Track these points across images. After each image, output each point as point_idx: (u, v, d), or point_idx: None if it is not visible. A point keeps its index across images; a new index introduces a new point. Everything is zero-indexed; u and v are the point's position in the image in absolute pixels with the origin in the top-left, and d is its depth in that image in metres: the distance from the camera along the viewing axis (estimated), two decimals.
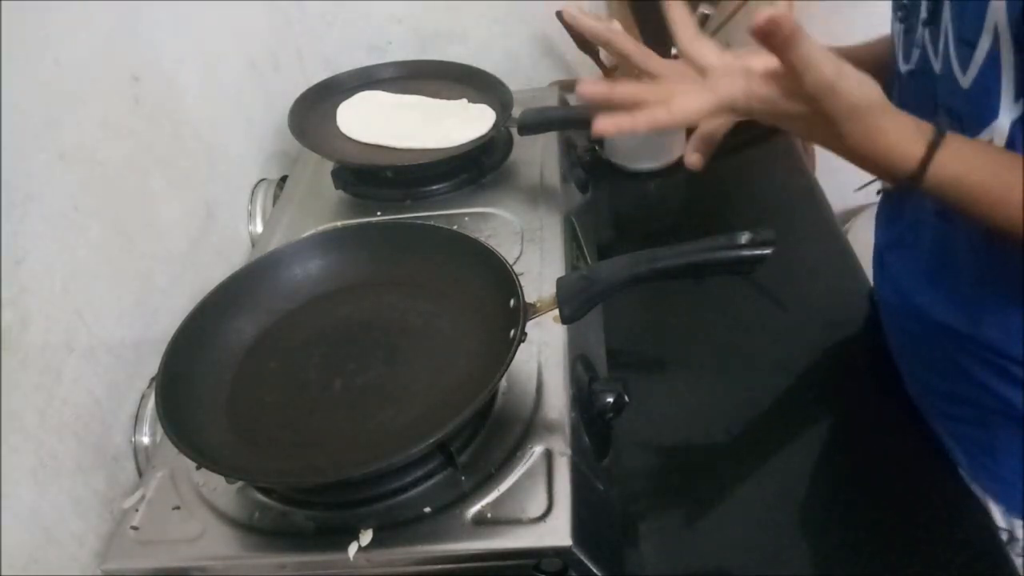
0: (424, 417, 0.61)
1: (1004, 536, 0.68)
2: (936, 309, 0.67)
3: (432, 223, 0.81)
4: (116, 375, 0.71)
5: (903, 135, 0.53)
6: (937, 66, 0.60)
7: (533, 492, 0.59)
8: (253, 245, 0.98)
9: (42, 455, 0.61)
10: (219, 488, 0.63)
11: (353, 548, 0.58)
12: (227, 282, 0.73)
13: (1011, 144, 0.55)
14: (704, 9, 1.04)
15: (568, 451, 0.62)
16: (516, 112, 0.94)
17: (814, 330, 0.86)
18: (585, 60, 1.15)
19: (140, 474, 0.71)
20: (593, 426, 0.67)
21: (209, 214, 0.91)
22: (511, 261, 0.70)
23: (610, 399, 0.68)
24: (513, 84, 1.01)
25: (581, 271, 0.67)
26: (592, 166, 1.05)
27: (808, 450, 0.75)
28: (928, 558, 0.65)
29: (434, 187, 0.94)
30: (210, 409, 0.65)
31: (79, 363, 0.66)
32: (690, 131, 0.65)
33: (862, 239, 1.23)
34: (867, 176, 0.59)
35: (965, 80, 0.56)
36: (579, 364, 0.71)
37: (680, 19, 0.57)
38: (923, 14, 0.61)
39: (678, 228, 1.09)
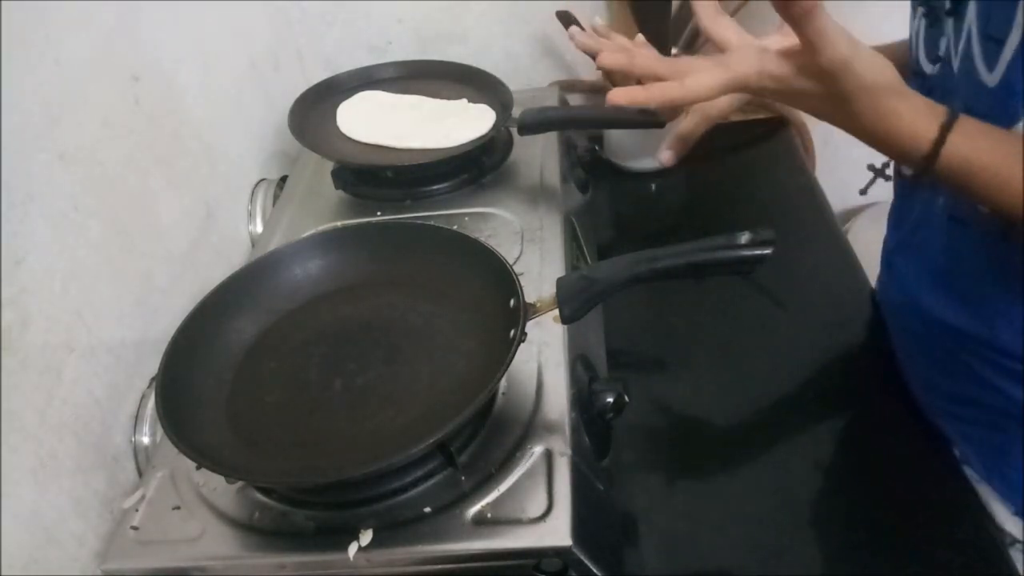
0: (424, 417, 0.61)
1: (1008, 538, 0.68)
2: (944, 310, 0.67)
3: (432, 223, 0.81)
4: (116, 375, 0.71)
5: (917, 116, 0.53)
6: (956, 65, 0.59)
7: (533, 492, 0.59)
8: (253, 245, 0.98)
9: (42, 455, 0.61)
10: (219, 488, 0.63)
11: (353, 548, 0.58)
12: (227, 282, 0.73)
13: None
14: None
15: (568, 451, 0.62)
16: (516, 112, 0.94)
17: (814, 330, 0.86)
18: (585, 60, 1.15)
19: (140, 474, 0.71)
20: (593, 426, 0.67)
21: (209, 214, 0.91)
22: (511, 261, 0.70)
23: (610, 399, 0.68)
24: (513, 84, 1.01)
25: (581, 271, 0.67)
26: (592, 166, 1.05)
27: (808, 450, 0.75)
28: (928, 558, 0.65)
29: (434, 187, 0.94)
30: (210, 409, 0.65)
31: (79, 363, 0.66)
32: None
33: (862, 239, 1.24)
34: (869, 176, 0.59)
35: (991, 79, 0.55)
36: (579, 364, 0.71)
37: None
38: (947, 4, 0.60)
39: (678, 228, 1.09)
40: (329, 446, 0.62)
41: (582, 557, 0.56)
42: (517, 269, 0.67)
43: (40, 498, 0.60)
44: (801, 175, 1.11)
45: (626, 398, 0.68)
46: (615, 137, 1.14)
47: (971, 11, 0.57)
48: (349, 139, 0.98)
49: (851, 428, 0.77)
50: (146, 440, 0.72)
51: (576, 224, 0.90)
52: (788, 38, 0.52)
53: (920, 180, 0.56)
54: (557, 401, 0.66)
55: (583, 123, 1.10)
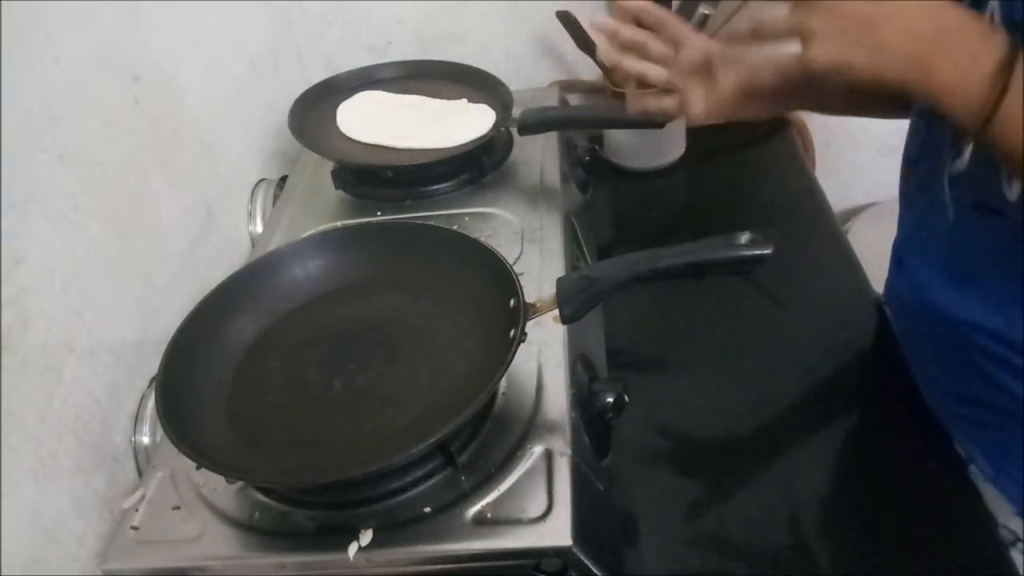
0: (424, 417, 0.61)
1: (1010, 537, 0.68)
2: (956, 306, 0.66)
3: (432, 223, 0.81)
4: (116, 375, 0.71)
5: (962, 77, 0.49)
6: None
7: (533, 492, 0.59)
8: (253, 245, 0.98)
9: (42, 455, 0.61)
10: (219, 488, 0.63)
11: (353, 548, 0.58)
12: (227, 282, 0.73)
13: None
14: (704, 9, 1.04)
15: (568, 451, 0.62)
16: (516, 112, 0.94)
17: (814, 330, 0.86)
18: (585, 60, 1.15)
19: (140, 474, 0.71)
20: (593, 426, 0.67)
21: (209, 214, 0.91)
22: (511, 261, 0.70)
23: (610, 399, 0.68)
24: (513, 84, 1.01)
25: (581, 271, 0.67)
26: (592, 166, 1.05)
27: (807, 449, 0.75)
28: (929, 558, 0.65)
29: (434, 187, 0.94)
30: (210, 409, 0.65)
31: (79, 363, 0.66)
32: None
33: (862, 239, 1.24)
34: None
35: None
36: (579, 364, 0.71)
37: None
38: None
39: (678, 228, 1.09)
40: (329, 446, 0.62)
41: (582, 557, 0.56)
42: (517, 269, 0.67)
43: (40, 498, 0.60)
44: (801, 175, 1.11)
45: (626, 398, 0.68)
46: (615, 137, 1.14)
47: None
48: (349, 139, 0.98)
49: (851, 428, 0.77)
50: (146, 440, 0.72)
51: (576, 224, 0.90)
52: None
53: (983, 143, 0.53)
54: (557, 401, 0.66)
55: (583, 123, 1.10)
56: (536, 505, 0.58)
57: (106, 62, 0.75)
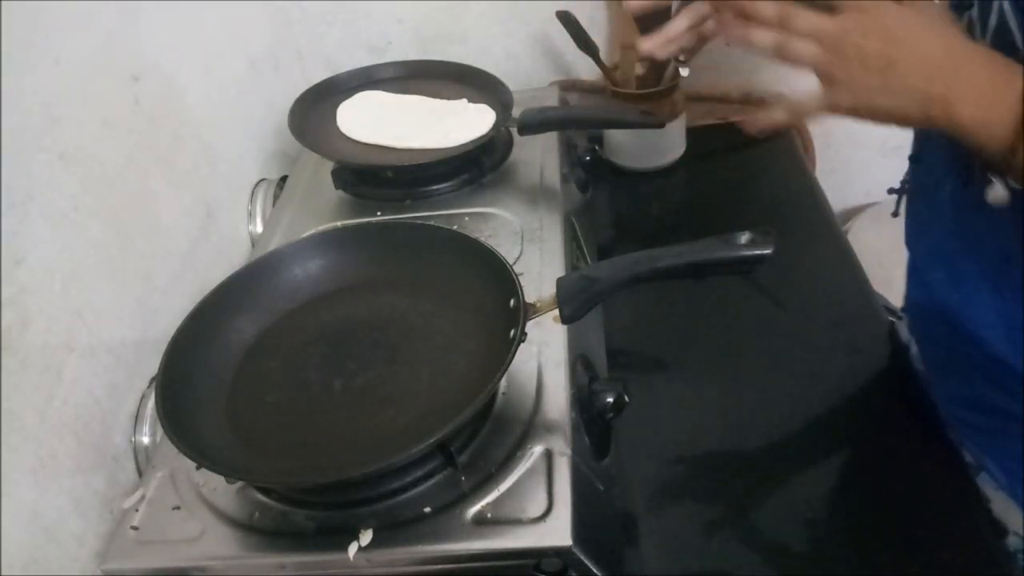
0: (424, 417, 0.61)
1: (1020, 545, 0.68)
2: (964, 309, 0.66)
3: (432, 223, 0.81)
4: (116, 375, 0.71)
5: (981, 107, 0.49)
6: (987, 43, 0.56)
7: (533, 492, 0.59)
8: (253, 245, 0.98)
9: (42, 455, 0.61)
10: (219, 488, 0.63)
11: (353, 548, 0.58)
12: (227, 282, 0.73)
13: None
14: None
15: (568, 451, 0.62)
16: (516, 112, 0.94)
17: (814, 330, 0.86)
18: (585, 60, 1.15)
19: (140, 474, 0.71)
20: (593, 426, 0.67)
21: (209, 214, 0.91)
22: (511, 261, 0.70)
23: (610, 399, 0.68)
24: (513, 84, 1.01)
25: (581, 271, 0.67)
26: (592, 166, 1.05)
27: (807, 449, 0.75)
28: (928, 558, 0.65)
29: (434, 187, 0.94)
30: (210, 409, 0.65)
31: (79, 363, 0.66)
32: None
33: (862, 239, 1.24)
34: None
35: None
36: (579, 364, 0.71)
37: None
38: None
39: (678, 228, 1.09)
40: (329, 446, 0.62)
41: (582, 557, 0.56)
42: (517, 269, 0.67)
43: (40, 498, 0.60)
44: (801, 175, 1.11)
45: (626, 398, 0.68)
46: (615, 137, 1.14)
47: None
48: (349, 139, 0.98)
49: (851, 428, 0.77)
50: (146, 440, 0.72)
51: (576, 224, 0.90)
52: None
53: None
54: (557, 401, 0.66)
55: (583, 123, 1.10)
56: (536, 505, 0.58)
57: (106, 62, 0.75)
